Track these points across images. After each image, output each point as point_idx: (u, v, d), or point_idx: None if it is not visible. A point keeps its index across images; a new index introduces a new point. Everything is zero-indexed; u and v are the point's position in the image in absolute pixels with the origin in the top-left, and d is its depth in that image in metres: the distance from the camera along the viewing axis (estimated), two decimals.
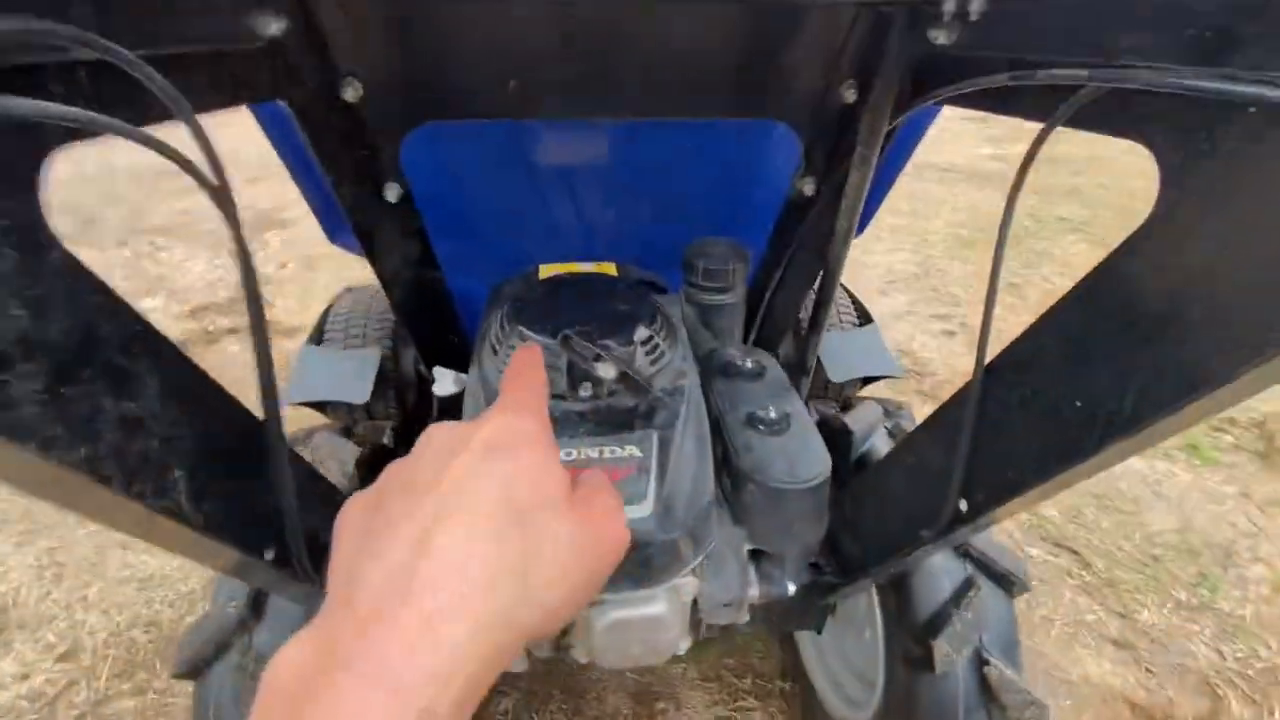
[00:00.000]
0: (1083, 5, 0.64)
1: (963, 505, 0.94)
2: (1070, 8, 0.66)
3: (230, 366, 3.64)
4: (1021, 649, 1.23)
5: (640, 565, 0.97)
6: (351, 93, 1.04)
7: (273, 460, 0.76)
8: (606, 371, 1.00)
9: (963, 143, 8.25)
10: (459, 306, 1.61)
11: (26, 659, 2.06)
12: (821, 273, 1.33)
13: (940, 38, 0.85)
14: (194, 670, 1.05)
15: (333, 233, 1.61)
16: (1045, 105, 0.76)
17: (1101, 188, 6.35)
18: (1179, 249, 0.61)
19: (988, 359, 0.88)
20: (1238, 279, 0.55)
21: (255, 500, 0.76)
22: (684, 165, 1.44)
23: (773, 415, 1.14)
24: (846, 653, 1.69)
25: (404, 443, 1.66)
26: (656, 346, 1.18)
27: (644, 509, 0.97)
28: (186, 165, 0.58)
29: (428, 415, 1.75)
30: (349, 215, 1.16)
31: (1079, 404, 0.75)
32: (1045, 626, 2.11)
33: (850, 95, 1.13)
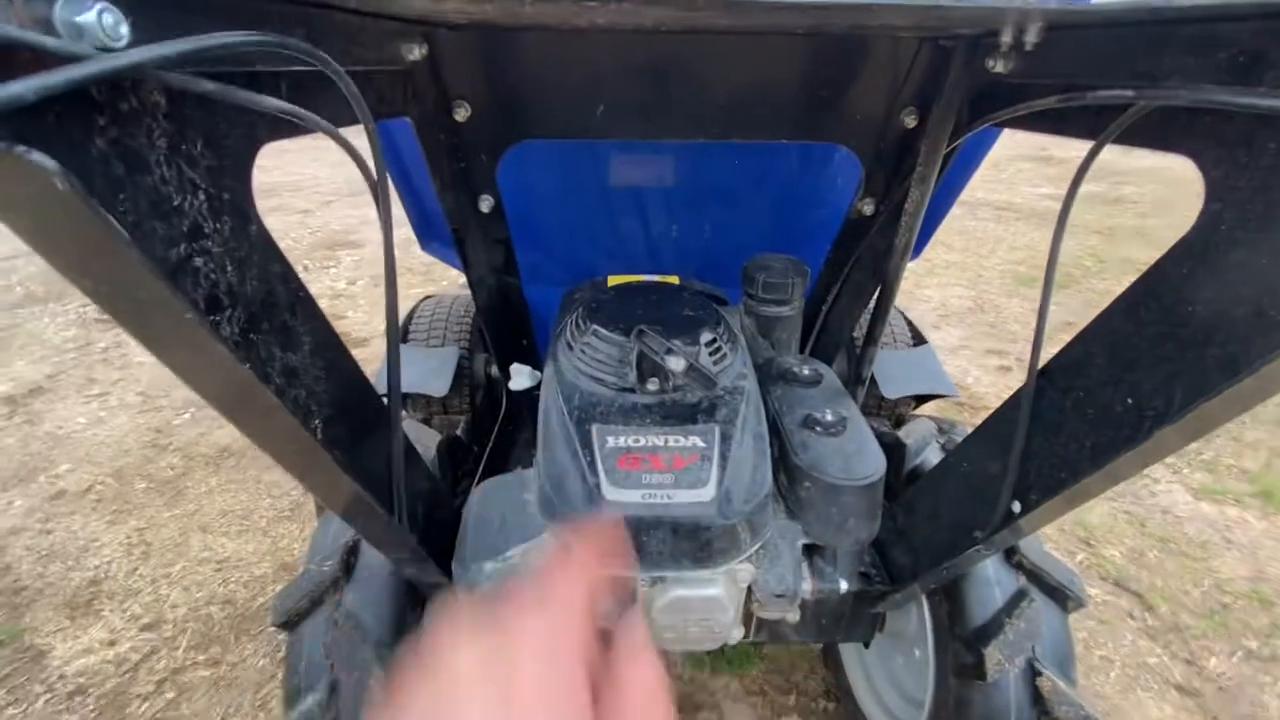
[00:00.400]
0: (1127, 34, 0.72)
1: (1015, 506, 0.98)
2: (1116, 36, 0.73)
3: None
4: (1077, 668, 1.23)
5: (700, 547, 1.04)
6: (461, 113, 1.18)
7: (392, 430, 0.87)
8: (676, 364, 1.08)
9: (1021, 183, 8.16)
10: (532, 313, 1.73)
11: (114, 627, 2.23)
12: (879, 289, 1.39)
13: (998, 66, 0.93)
14: (289, 622, 1.16)
15: (424, 240, 1.77)
16: (1096, 125, 0.83)
17: (1170, 228, 6.16)
18: (1223, 255, 0.66)
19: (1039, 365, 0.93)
20: (1276, 277, 0.60)
21: (370, 458, 0.87)
22: (749, 186, 1.54)
23: (829, 418, 1.20)
24: (894, 672, 1.69)
25: (475, 438, 1.78)
26: (719, 349, 1.27)
27: (706, 494, 1.04)
28: (360, 163, 0.71)
29: (496, 413, 1.87)
30: (448, 220, 1.30)
31: (1130, 401, 0.79)
32: (1105, 667, 2.05)
33: (911, 121, 1.21)
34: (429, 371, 1.70)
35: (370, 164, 0.73)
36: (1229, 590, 2.32)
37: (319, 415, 0.75)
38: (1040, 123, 0.91)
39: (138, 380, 3.85)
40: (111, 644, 2.16)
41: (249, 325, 0.62)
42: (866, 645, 1.60)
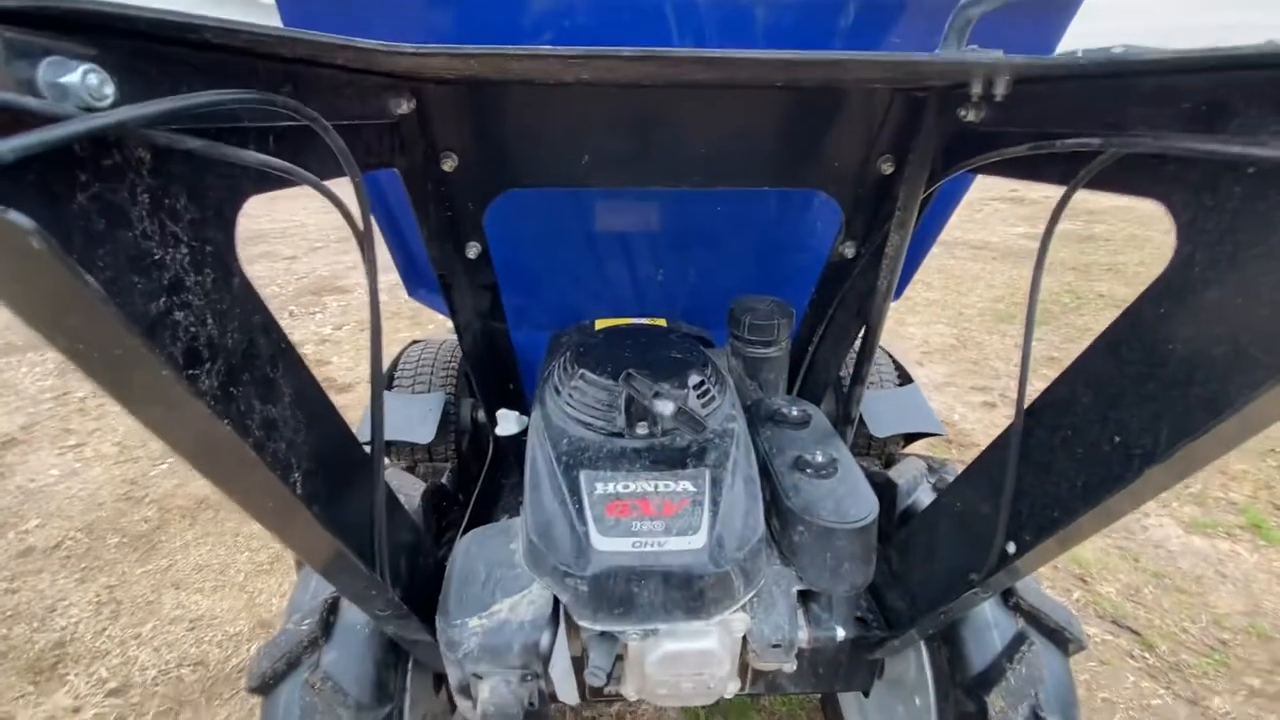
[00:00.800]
0: (1093, 85, 0.75)
1: (1010, 547, 0.97)
2: (1082, 87, 0.77)
3: None
4: (1080, 713, 1.20)
5: (693, 597, 1.01)
6: (449, 164, 1.20)
7: (374, 484, 0.85)
8: (664, 408, 1.07)
9: (996, 222, 8.40)
10: (519, 358, 1.73)
11: (79, 692, 2.11)
12: (864, 329, 1.41)
13: (969, 115, 0.96)
14: (264, 685, 1.11)
15: (411, 287, 1.76)
16: (1067, 172, 0.85)
17: (1141, 265, 6.35)
18: (1198, 295, 0.67)
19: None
20: (1251, 317, 0.61)
21: (351, 511, 0.84)
22: (733, 230, 1.56)
23: (820, 459, 1.19)
24: None
25: (460, 486, 1.75)
26: (708, 391, 1.26)
27: (698, 540, 1.02)
28: (347, 215, 0.71)
29: (482, 460, 1.84)
30: (434, 267, 1.31)
31: (1117, 439, 0.79)
32: (1108, 710, 2.00)
33: (888, 167, 1.24)
34: (414, 418, 1.68)
35: (356, 214, 0.73)
36: (1227, 626, 2.29)
37: (299, 469, 0.73)
38: (1013, 169, 0.94)
39: (114, 430, 3.76)
40: (75, 711, 2.05)
41: (229, 378, 0.61)
42: (866, 694, 1.56)
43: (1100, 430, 0.82)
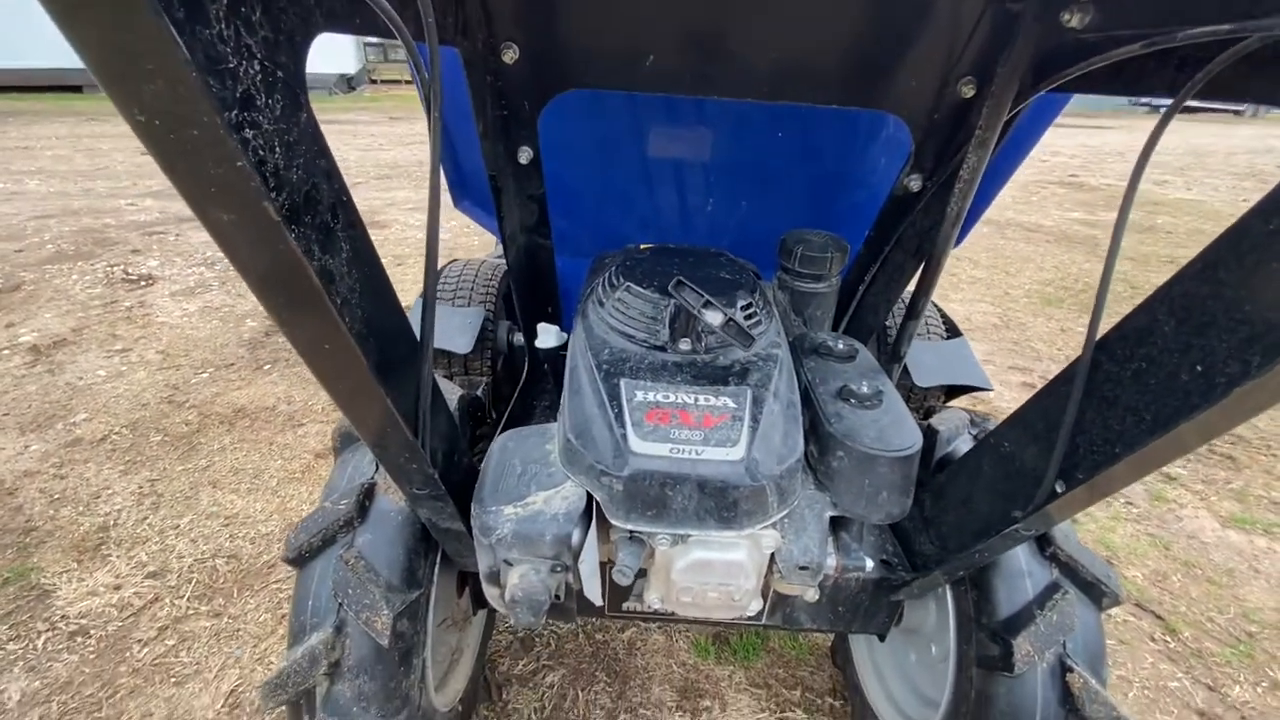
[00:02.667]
0: None
1: (1059, 486, 0.94)
2: None
3: None
4: (1108, 669, 1.18)
5: (726, 507, 1.00)
6: (509, 55, 1.16)
7: (422, 351, 0.85)
8: (714, 317, 1.05)
9: (1052, 206, 8.06)
10: (561, 283, 1.71)
11: (120, 572, 2.23)
12: (924, 265, 1.35)
13: (1073, 20, 0.89)
14: (300, 558, 1.14)
15: (457, 198, 1.75)
16: (1176, 79, 0.79)
17: None
18: None
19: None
20: None
21: (399, 380, 0.84)
22: (791, 159, 1.51)
23: (865, 390, 1.16)
24: (907, 669, 1.63)
25: (493, 404, 1.76)
26: (754, 314, 1.24)
27: (735, 453, 1.01)
28: (415, 60, 0.69)
29: (515, 383, 1.85)
30: (486, 167, 1.28)
31: (1198, 368, 0.75)
32: (1122, 687, 1.97)
33: (968, 90, 1.17)
34: (452, 329, 1.68)
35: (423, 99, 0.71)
36: (1255, 619, 2.24)
37: (354, 323, 0.72)
38: (1113, 81, 0.87)
39: (159, 338, 3.88)
40: (116, 588, 2.16)
41: (290, 217, 0.60)
42: (882, 638, 1.56)
43: (1180, 359, 0.77)
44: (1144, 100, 22.75)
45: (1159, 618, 2.23)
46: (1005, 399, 3.61)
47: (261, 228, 0.54)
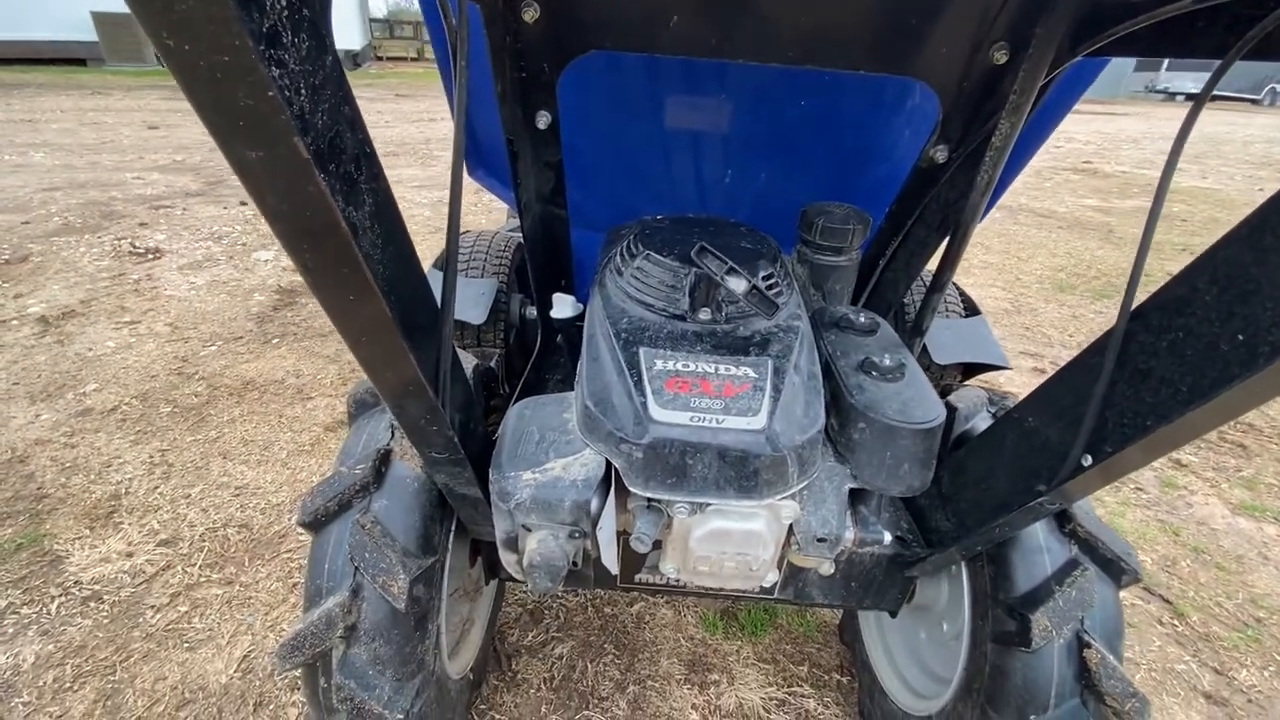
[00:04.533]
0: None
1: (1086, 459, 0.93)
2: None
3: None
4: (1124, 646, 1.17)
5: (746, 477, 0.99)
6: (529, 14, 1.13)
7: (443, 311, 0.84)
8: (737, 284, 1.03)
9: (1065, 193, 7.95)
10: (576, 257, 1.69)
11: (132, 540, 2.24)
12: (950, 236, 1.33)
13: None
14: (316, 522, 1.14)
15: (472, 166, 1.72)
16: (1224, 41, 0.76)
17: None
18: None
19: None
20: None
21: (420, 340, 0.83)
22: (813, 130, 1.47)
23: (888, 363, 1.14)
24: (917, 647, 1.63)
25: (506, 378, 1.75)
26: (775, 285, 1.22)
27: (756, 422, 1.00)
28: (446, 12, 0.66)
29: (528, 356, 1.84)
30: (505, 129, 1.26)
31: (1240, 336, 0.73)
32: (1130, 669, 1.98)
33: (1000, 56, 1.14)
34: (467, 300, 1.67)
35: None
36: (1264, 605, 2.23)
37: (379, 279, 0.71)
38: (1157, 42, 0.84)
39: (167, 311, 3.88)
40: (129, 555, 2.18)
41: (320, 163, 0.58)
42: (893, 614, 1.55)
43: (1221, 327, 0.75)
44: (1161, 87, 22.38)
45: (1167, 602, 2.23)
46: (1016, 384, 3.59)
47: (291, 166, 0.52)
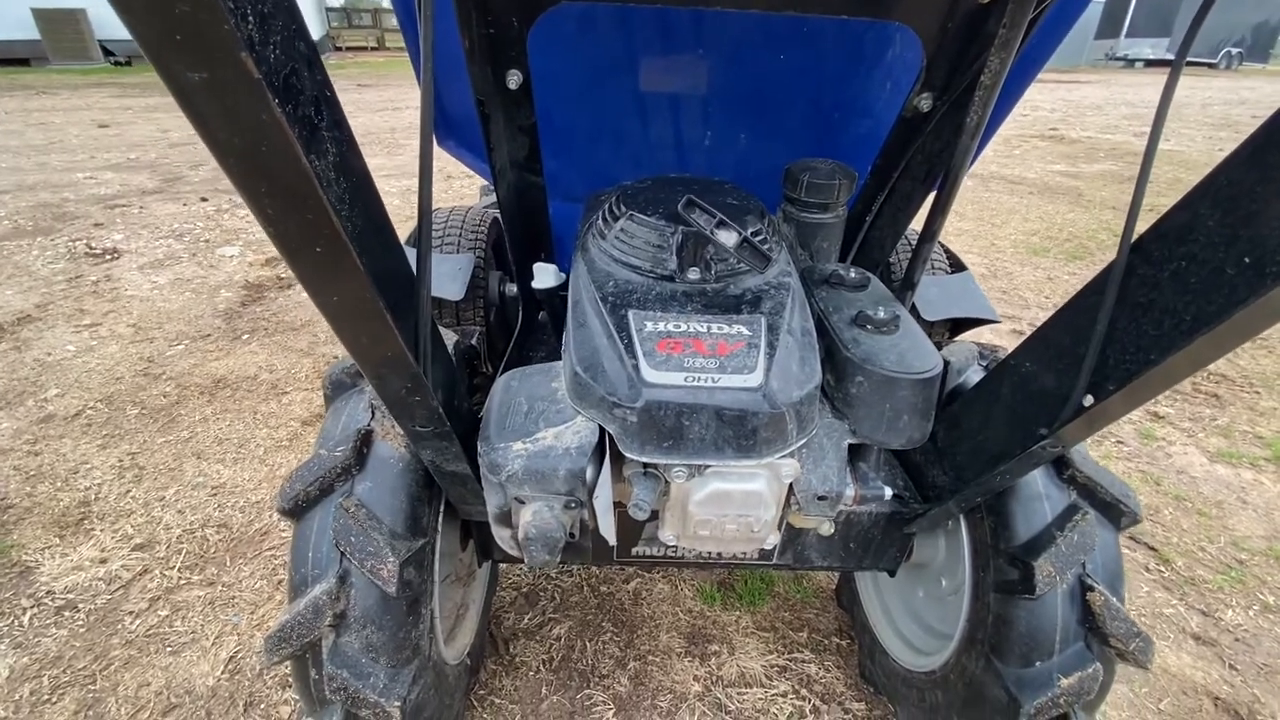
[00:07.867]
0: None
1: (1087, 400, 0.91)
2: None
3: (304, 308, 3.78)
4: (1126, 588, 1.17)
5: (744, 436, 0.96)
6: None
7: (419, 279, 0.79)
8: (727, 237, 0.99)
9: (1034, 160, 8.04)
10: (554, 228, 1.63)
11: (105, 546, 2.15)
12: (941, 181, 1.30)
13: None
14: (297, 508, 1.09)
15: (442, 136, 1.66)
16: None
17: None
18: None
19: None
20: None
21: (396, 307, 0.77)
22: (792, 85, 1.43)
23: (882, 315, 1.12)
24: (915, 605, 1.64)
25: (487, 357, 1.69)
26: (765, 241, 1.18)
27: (753, 379, 0.96)
28: None
29: (508, 335, 1.78)
30: (475, 90, 1.20)
31: (1246, 260, 0.72)
32: None
33: None
34: (444, 276, 1.61)
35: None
36: (1245, 547, 2.29)
37: (348, 232, 0.65)
38: None
39: (130, 312, 3.73)
40: (102, 562, 2.09)
41: (269, 88, 0.53)
42: (892, 574, 1.55)
43: (1226, 252, 0.74)
44: (1121, 54, 22.71)
45: (1153, 549, 2.27)
46: (997, 345, 3.61)
47: (240, 88, 0.47)
